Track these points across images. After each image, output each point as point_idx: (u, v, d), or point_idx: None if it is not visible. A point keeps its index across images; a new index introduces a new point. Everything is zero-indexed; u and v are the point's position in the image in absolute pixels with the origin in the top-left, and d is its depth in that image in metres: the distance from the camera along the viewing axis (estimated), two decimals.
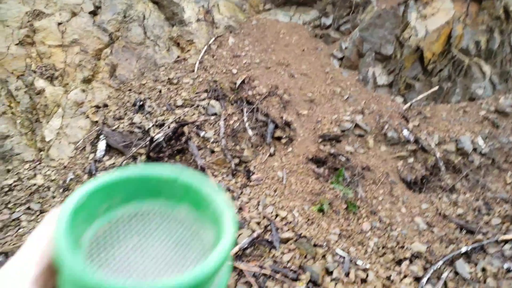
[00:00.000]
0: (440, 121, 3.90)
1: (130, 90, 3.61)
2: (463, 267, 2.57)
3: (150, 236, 0.41)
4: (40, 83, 3.43)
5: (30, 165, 3.13)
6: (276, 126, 3.37)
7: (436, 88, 4.27)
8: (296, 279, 2.26)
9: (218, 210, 0.39)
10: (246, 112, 3.39)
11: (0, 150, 3.22)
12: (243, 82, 3.61)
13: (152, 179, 0.42)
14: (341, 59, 4.37)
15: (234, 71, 3.75)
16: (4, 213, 2.72)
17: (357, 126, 3.51)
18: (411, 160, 3.50)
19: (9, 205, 2.78)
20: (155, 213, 0.42)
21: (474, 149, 3.63)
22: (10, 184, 2.92)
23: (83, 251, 0.37)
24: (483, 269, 2.56)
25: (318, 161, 3.21)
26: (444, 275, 2.46)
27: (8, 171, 3.11)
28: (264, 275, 2.24)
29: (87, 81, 3.60)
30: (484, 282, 2.48)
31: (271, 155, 3.22)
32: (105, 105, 3.49)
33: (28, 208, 2.75)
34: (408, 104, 4.01)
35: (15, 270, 0.35)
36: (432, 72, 4.50)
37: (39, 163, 3.13)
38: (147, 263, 0.37)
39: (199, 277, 0.31)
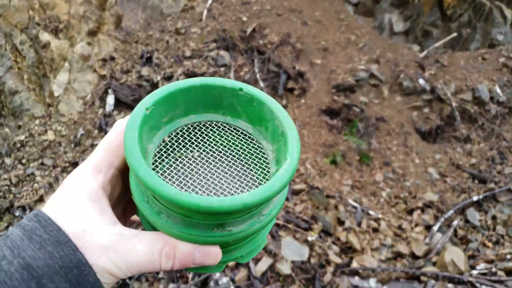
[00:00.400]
0: (457, 69, 3.76)
1: (136, 42, 3.51)
2: (473, 215, 2.59)
3: (212, 149, 0.40)
4: (45, 36, 3.35)
5: (40, 121, 3.13)
6: (289, 77, 3.28)
7: (455, 34, 4.08)
8: (308, 229, 2.29)
9: (281, 127, 0.37)
10: (257, 62, 3.29)
11: (9, 106, 3.21)
12: (253, 30, 3.47)
13: (215, 87, 0.40)
14: (356, 5, 4.17)
15: (244, 19, 3.60)
16: (19, 169, 2.76)
17: (372, 75, 3.41)
18: (426, 110, 3.42)
19: (23, 161, 2.82)
20: (216, 126, 0.41)
21: (491, 98, 3.53)
22: (22, 140, 2.94)
23: (149, 164, 0.37)
24: (493, 217, 2.58)
25: (332, 113, 3.15)
26: (455, 223, 2.48)
27: (19, 127, 3.13)
28: (277, 225, 2.28)
29: (92, 33, 3.50)
30: (494, 229, 2.50)
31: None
32: (112, 58, 3.42)
33: (42, 163, 2.78)
34: (425, 52, 3.86)
35: (86, 173, 0.36)
36: (451, 18, 4.28)
37: (49, 119, 3.14)
38: (209, 177, 0.37)
39: (266, 195, 0.31)
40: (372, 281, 1.99)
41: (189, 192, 0.35)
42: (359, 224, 2.39)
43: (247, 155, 0.40)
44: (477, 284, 1.87)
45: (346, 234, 2.28)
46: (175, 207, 0.32)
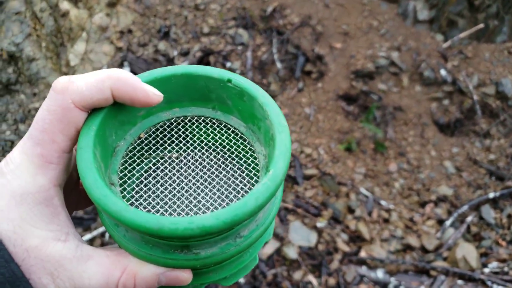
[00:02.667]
0: (481, 61, 3.64)
1: (155, 15, 3.46)
2: (488, 212, 2.53)
3: (195, 150, 0.34)
4: (64, 5, 3.32)
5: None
6: (307, 60, 3.21)
7: (481, 25, 3.93)
8: (317, 215, 2.27)
9: (272, 129, 0.30)
10: (276, 43, 3.23)
11: (27, 73, 3.22)
12: (274, 10, 3.39)
13: (200, 77, 0.34)
14: None
15: None
16: None
17: (392, 63, 3.32)
18: (446, 102, 3.33)
19: None
20: (204, 122, 0.35)
21: None
22: (37, 108, 2.96)
23: (116, 165, 0.31)
24: (509, 216, 2.52)
25: (349, 99, 3.09)
26: (468, 219, 2.43)
27: (34, 94, 3.14)
28: (286, 209, 2.26)
29: (111, 4, 3.47)
30: (508, 228, 2.44)
31: (299, 90, 3.11)
32: (130, 31, 3.38)
33: None
34: (449, 42, 3.73)
35: (32, 165, 0.28)
36: (478, 8, 4.13)
37: None
38: (187, 186, 0.31)
39: (235, 218, 0.25)
40: (380, 272, 1.97)
41: (160, 204, 0.29)
42: (369, 214, 2.36)
43: (234, 159, 0.33)
44: (489, 283, 1.83)
45: (355, 223, 2.25)
46: (122, 225, 0.27)
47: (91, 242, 1.98)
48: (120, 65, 3.16)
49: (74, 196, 0.36)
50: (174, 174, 0.32)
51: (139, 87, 0.29)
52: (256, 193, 0.26)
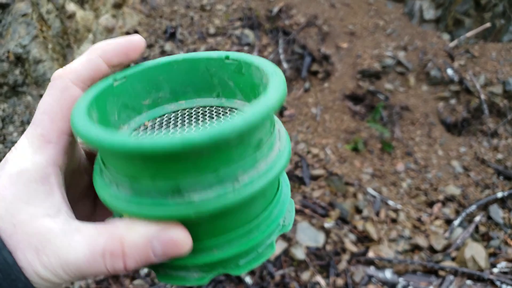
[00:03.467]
0: (488, 61, 3.63)
1: (161, 16, 3.47)
2: (497, 212, 2.51)
3: (193, 120, 0.34)
4: (71, 7, 3.34)
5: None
6: (313, 60, 3.20)
7: (488, 25, 3.91)
8: (325, 215, 2.26)
9: (266, 75, 0.29)
10: (282, 43, 3.22)
11: (33, 74, 3.24)
12: (280, 10, 3.39)
13: (200, 61, 0.34)
14: None
15: None
16: None
17: (399, 63, 3.31)
18: (453, 101, 3.31)
19: None
20: (209, 111, 0.35)
21: None
22: None
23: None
24: None
25: (355, 98, 3.08)
26: (477, 219, 2.42)
27: (41, 96, 3.16)
28: None
29: (117, 6, 3.48)
30: None
31: (305, 90, 3.11)
32: (136, 32, 3.40)
33: None
34: (455, 42, 3.72)
35: (30, 144, 0.28)
36: (485, 7, 4.11)
37: None
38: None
39: (225, 131, 0.22)
40: (388, 272, 1.96)
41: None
42: (377, 214, 2.35)
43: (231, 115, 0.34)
44: (497, 283, 1.82)
45: (363, 223, 2.24)
46: (106, 153, 0.26)
47: None
48: (126, 66, 3.17)
49: (86, 206, 0.35)
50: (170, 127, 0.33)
51: (121, 41, 0.31)
52: (244, 114, 0.24)
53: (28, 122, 2.97)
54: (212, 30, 3.31)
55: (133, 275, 1.92)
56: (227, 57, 0.33)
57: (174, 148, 0.22)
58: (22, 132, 2.91)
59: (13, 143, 2.90)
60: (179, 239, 0.25)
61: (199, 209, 0.25)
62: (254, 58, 0.32)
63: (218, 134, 0.22)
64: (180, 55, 0.34)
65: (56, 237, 0.25)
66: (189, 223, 0.27)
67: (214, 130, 0.22)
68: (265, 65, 0.31)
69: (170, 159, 0.24)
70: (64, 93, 0.29)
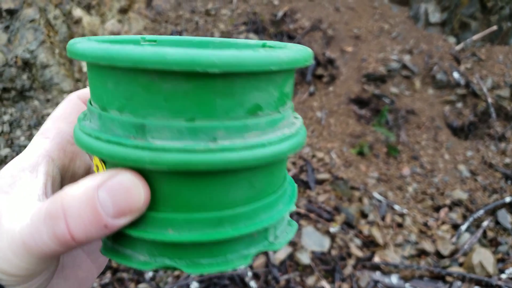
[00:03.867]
0: (495, 64, 3.60)
1: (166, 21, 3.49)
2: (505, 216, 2.48)
3: None
4: (77, 12, 3.37)
5: (68, 95, 3.18)
6: (318, 64, 3.20)
7: (494, 28, 3.88)
8: (330, 220, 2.25)
9: None
10: None
11: (40, 79, 3.27)
12: (284, 14, 3.39)
13: (237, 45, 0.33)
14: None
15: (276, 2, 3.52)
16: None
17: (404, 66, 3.29)
18: (459, 105, 3.29)
19: None
20: None
21: None
22: (50, 113, 3.00)
23: None
24: None
25: (361, 102, 3.07)
26: (484, 223, 2.39)
27: (48, 100, 3.18)
28: (298, 213, 2.25)
29: (123, 11, 3.51)
30: None
31: (310, 94, 3.10)
32: None
33: None
34: (461, 45, 3.69)
35: (33, 141, 0.29)
36: (491, 10, 4.08)
37: None
38: None
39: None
40: (394, 277, 1.94)
41: None
42: (383, 218, 2.33)
43: None
44: None
45: (369, 228, 2.23)
46: (89, 69, 0.24)
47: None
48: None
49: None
50: None
51: None
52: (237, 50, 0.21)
53: (35, 126, 2.99)
54: (217, 35, 3.32)
55: (138, 278, 1.91)
56: (264, 45, 0.32)
57: (144, 58, 0.19)
58: (30, 136, 2.94)
59: (20, 147, 2.92)
60: (131, 185, 0.21)
61: (156, 158, 0.20)
62: (290, 46, 0.30)
63: (196, 56, 0.19)
64: (217, 38, 0.33)
65: (2, 216, 0.23)
66: (147, 180, 0.22)
67: (193, 51, 0.19)
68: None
69: (141, 84, 0.20)
70: (70, 103, 0.31)
